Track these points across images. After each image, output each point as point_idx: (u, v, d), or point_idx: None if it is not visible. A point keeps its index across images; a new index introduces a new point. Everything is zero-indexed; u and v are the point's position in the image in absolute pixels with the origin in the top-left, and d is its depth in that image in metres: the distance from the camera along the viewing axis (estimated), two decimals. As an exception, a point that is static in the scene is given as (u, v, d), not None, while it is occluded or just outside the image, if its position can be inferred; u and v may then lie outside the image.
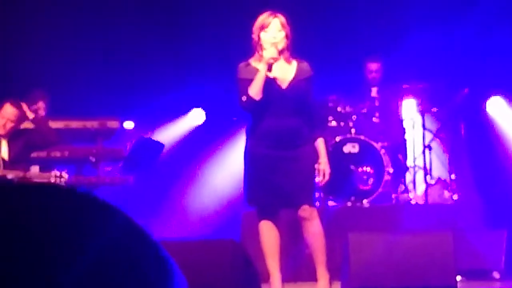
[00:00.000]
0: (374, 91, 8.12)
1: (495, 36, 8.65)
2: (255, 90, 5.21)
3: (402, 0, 8.80)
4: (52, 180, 6.41)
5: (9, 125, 6.79)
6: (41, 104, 7.78)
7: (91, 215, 1.46)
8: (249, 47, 5.38)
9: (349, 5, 8.88)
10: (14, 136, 6.84)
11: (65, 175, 6.42)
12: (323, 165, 5.33)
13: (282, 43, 5.29)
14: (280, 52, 5.28)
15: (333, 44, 8.85)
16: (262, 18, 5.33)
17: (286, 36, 5.30)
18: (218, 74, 8.31)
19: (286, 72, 5.35)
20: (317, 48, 8.07)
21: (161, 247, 1.48)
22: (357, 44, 8.68)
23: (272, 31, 5.28)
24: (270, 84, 5.25)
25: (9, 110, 6.81)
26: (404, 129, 8.21)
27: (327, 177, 5.34)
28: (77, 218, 1.44)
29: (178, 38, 9.30)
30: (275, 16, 5.32)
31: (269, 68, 5.23)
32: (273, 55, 5.22)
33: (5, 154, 6.67)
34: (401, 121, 8.22)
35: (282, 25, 5.30)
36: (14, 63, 8.55)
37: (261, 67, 5.23)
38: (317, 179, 5.36)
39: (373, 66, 8.24)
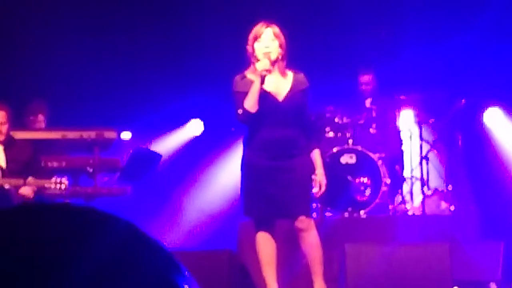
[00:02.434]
0: (368, 102, 8.15)
1: (493, 47, 8.67)
2: (250, 103, 5.21)
3: (399, 12, 8.82)
4: (52, 187, 6.32)
5: (4, 128, 6.57)
6: (40, 117, 7.74)
7: (89, 227, 1.46)
8: (247, 58, 5.39)
9: (347, 15, 8.90)
10: (10, 144, 6.66)
11: (65, 181, 6.33)
12: (320, 177, 5.34)
13: (275, 52, 5.28)
14: (274, 62, 5.28)
15: (331, 55, 8.87)
16: (256, 28, 5.34)
17: (280, 46, 5.30)
18: (217, 85, 8.32)
19: (282, 84, 5.35)
20: (314, 59, 8.09)
21: (164, 249, 1.47)
22: (354, 55, 8.70)
23: (265, 41, 5.28)
24: (266, 96, 5.25)
25: None
26: (401, 140, 8.21)
27: (323, 189, 5.34)
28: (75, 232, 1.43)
29: (176, 48, 9.32)
30: (268, 26, 5.32)
31: (263, 81, 5.23)
32: (265, 66, 5.21)
33: (2, 162, 6.58)
34: (398, 132, 8.22)
35: (276, 35, 5.30)
36: (12, 74, 8.55)
37: (256, 79, 5.24)
38: (313, 190, 5.36)
39: (365, 78, 8.26)
